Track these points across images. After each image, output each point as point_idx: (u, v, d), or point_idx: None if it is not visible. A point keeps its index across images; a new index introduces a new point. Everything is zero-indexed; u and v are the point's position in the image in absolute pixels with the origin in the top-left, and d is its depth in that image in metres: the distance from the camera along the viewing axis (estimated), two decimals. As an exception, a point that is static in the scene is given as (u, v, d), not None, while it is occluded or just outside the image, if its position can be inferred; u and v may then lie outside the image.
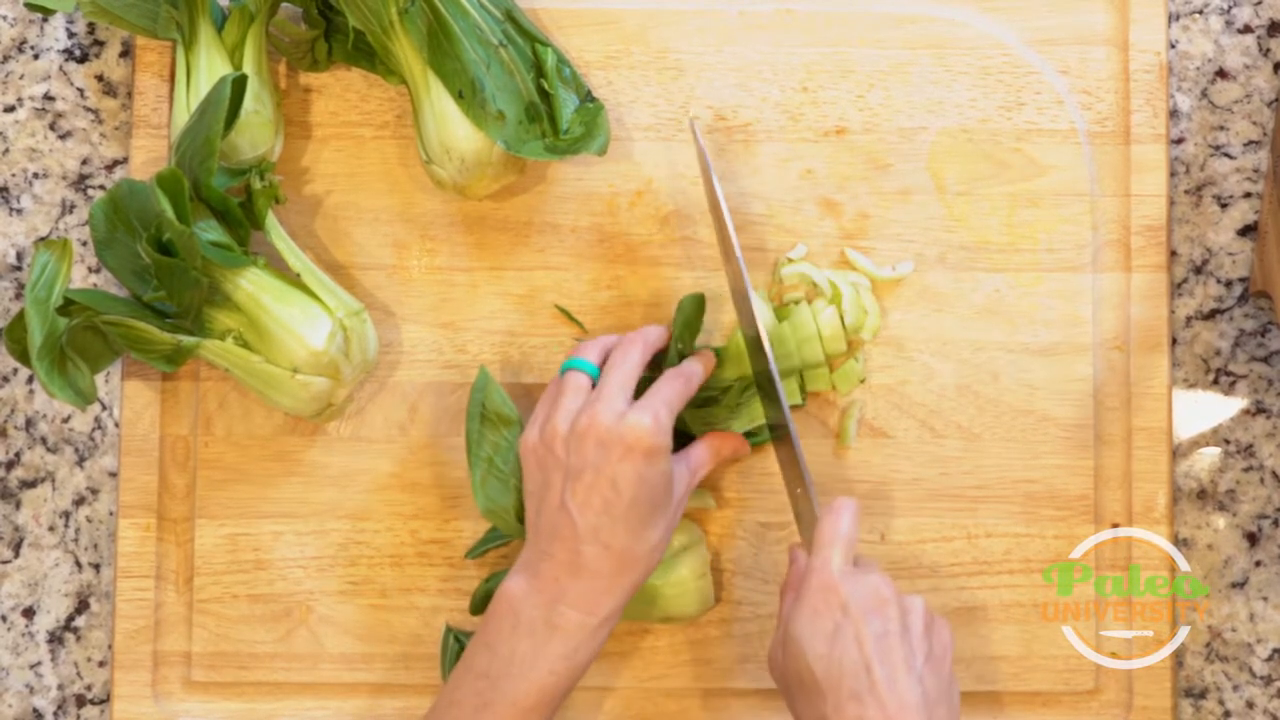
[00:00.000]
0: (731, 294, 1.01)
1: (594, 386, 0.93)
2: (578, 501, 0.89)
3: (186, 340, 0.95)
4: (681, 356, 0.98)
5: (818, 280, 1.01)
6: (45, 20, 1.07)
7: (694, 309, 0.99)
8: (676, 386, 0.93)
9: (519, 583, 0.90)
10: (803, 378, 1.01)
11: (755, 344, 0.96)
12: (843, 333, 1.00)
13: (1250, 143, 1.05)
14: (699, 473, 0.96)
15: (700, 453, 0.96)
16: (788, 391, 1.00)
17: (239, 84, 0.95)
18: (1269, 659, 1.02)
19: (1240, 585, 1.03)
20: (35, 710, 1.03)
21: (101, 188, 1.06)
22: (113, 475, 1.04)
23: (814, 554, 0.89)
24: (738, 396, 0.99)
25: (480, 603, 0.99)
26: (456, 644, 0.98)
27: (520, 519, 0.95)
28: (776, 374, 0.94)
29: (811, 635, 0.86)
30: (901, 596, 0.87)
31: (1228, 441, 1.04)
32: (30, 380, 1.05)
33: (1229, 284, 1.04)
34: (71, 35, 1.07)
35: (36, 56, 1.06)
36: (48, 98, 1.06)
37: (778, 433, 0.97)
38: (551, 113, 0.99)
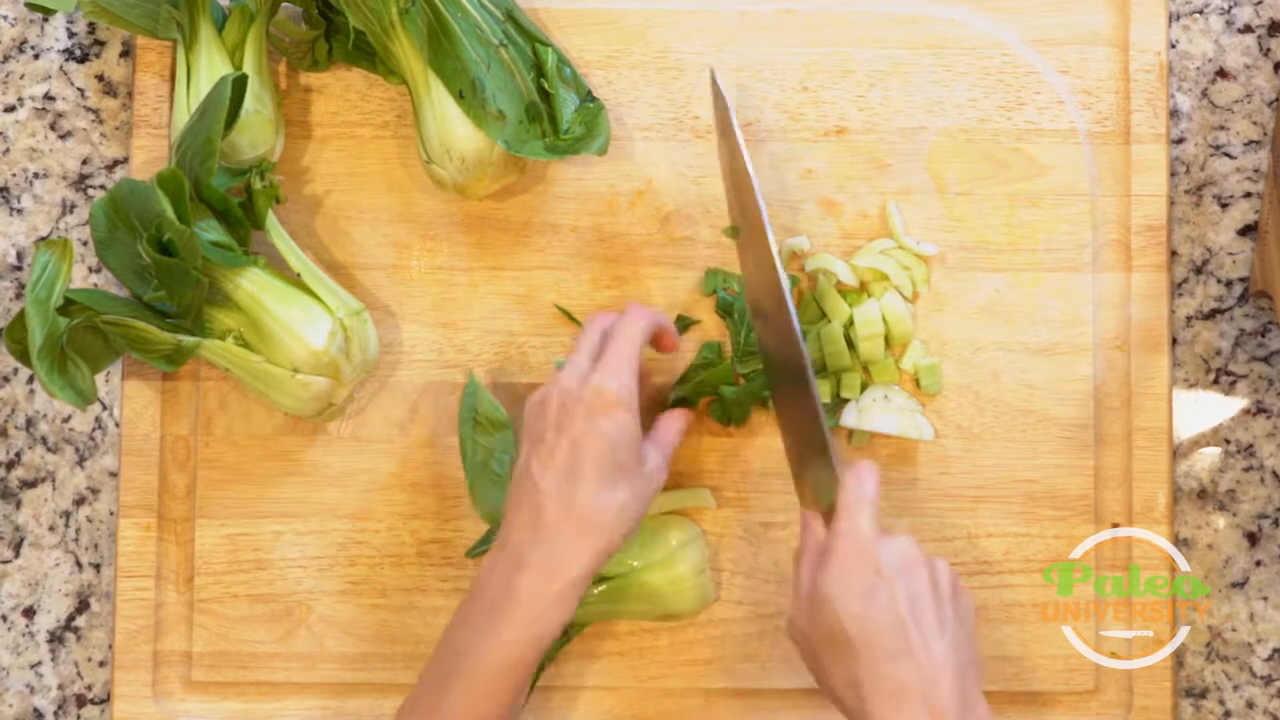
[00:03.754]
0: (747, 265, 0.98)
1: None
2: (540, 463, 0.89)
3: (187, 340, 0.95)
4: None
5: (840, 273, 1.01)
6: (45, 20, 1.07)
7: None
8: (627, 332, 0.92)
9: (490, 558, 0.90)
10: (869, 372, 1.02)
11: (778, 316, 0.93)
12: (906, 315, 1.00)
13: (1250, 143, 1.05)
14: (668, 450, 0.95)
15: (665, 431, 0.96)
16: (846, 387, 1.01)
17: (239, 84, 0.95)
18: (1269, 659, 1.02)
19: (1240, 585, 1.03)
20: (35, 710, 1.03)
21: (102, 188, 1.06)
22: (113, 475, 1.04)
23: (841, 517, 0.88)
24: (698, 374, 1.01)
25: None
26: None
27: None
28: (800, 334, 0.92)
29: (845, 595, 0.85)
30: (930, 559, 0.88)
31: (1228, 441, 1.03)
32: (30, 380, 1.05)
33: (1229, 284, 1.04)
34: (72, 35, 1.07)
35: (37, 56, 1.06)
36: (48, 98, 1.06)
37: (785, 400, 0.96)
38: (552, 113, 0.99)
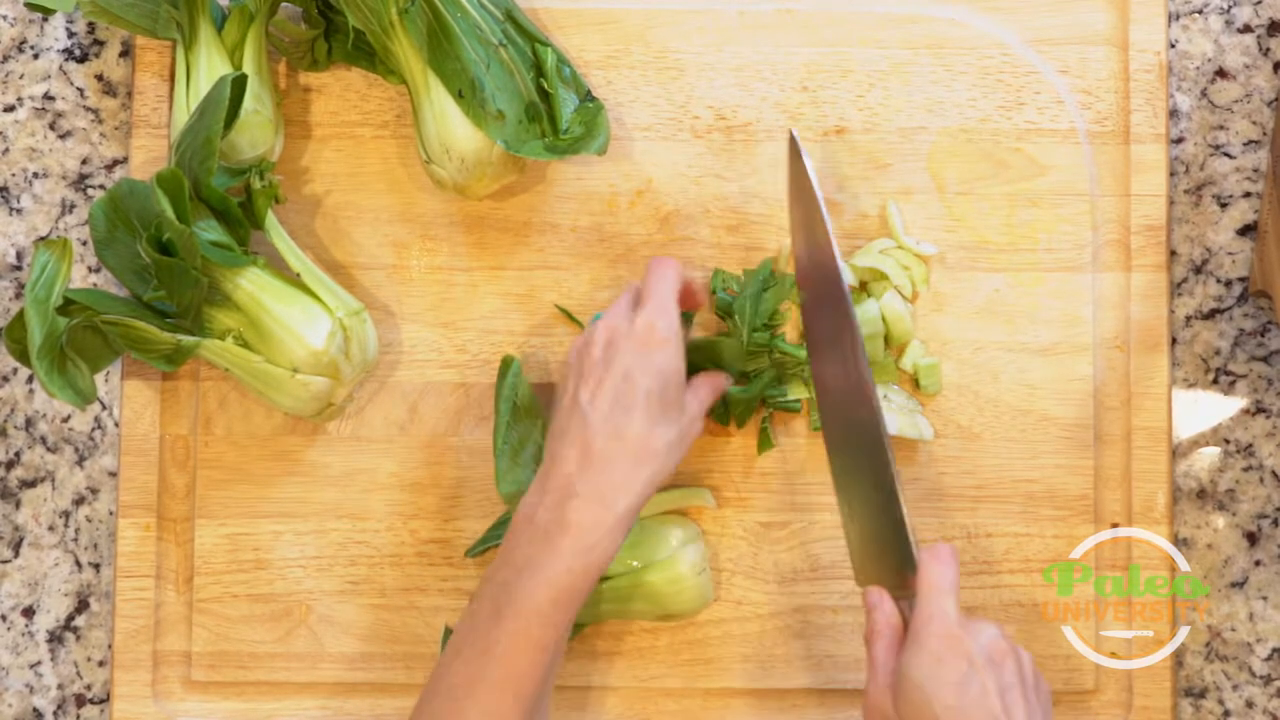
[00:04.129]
0: (819, 345, 0.96)
1: None
2: (588, 395, 0.89)
3: (186, 340, 0.95)
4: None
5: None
6: (45, 20, 1.07)
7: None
8: (666, 286, 0.93)
9: (531, 496, 0.89)
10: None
11: (853, 386, 0.92)
12: (905, 315, 1.00)
13: (1250, 142, 1.05)
14: (706, 403, 0.95)
15: (702, 387, 0.95)
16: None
17: (239, 84, 0.95)
18: (1269, 658, 1.02)
19: (1240, 585, 1.03)
20: (35, 710, 1.03)
21: (101, 187, 1.06)
22: (113, 475, 1.04)
23: (927, 600, 0.86)
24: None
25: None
26: None
27: None
28: (882, 411, 0.91)
29: (938, 684, 0.83)
30: (1015, 647, 0.86)
31: (1227, 441, 1.04)
32: (30, 380, 1.05)
33: (1229, 284, 1.04)
34: (71, 35, 1.07)
35: (36, 56, 1.06)
36: (48, 97, 1.06)
37: (851, 477, 0.92)
38: (551, 112, 0.99)
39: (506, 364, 0.99)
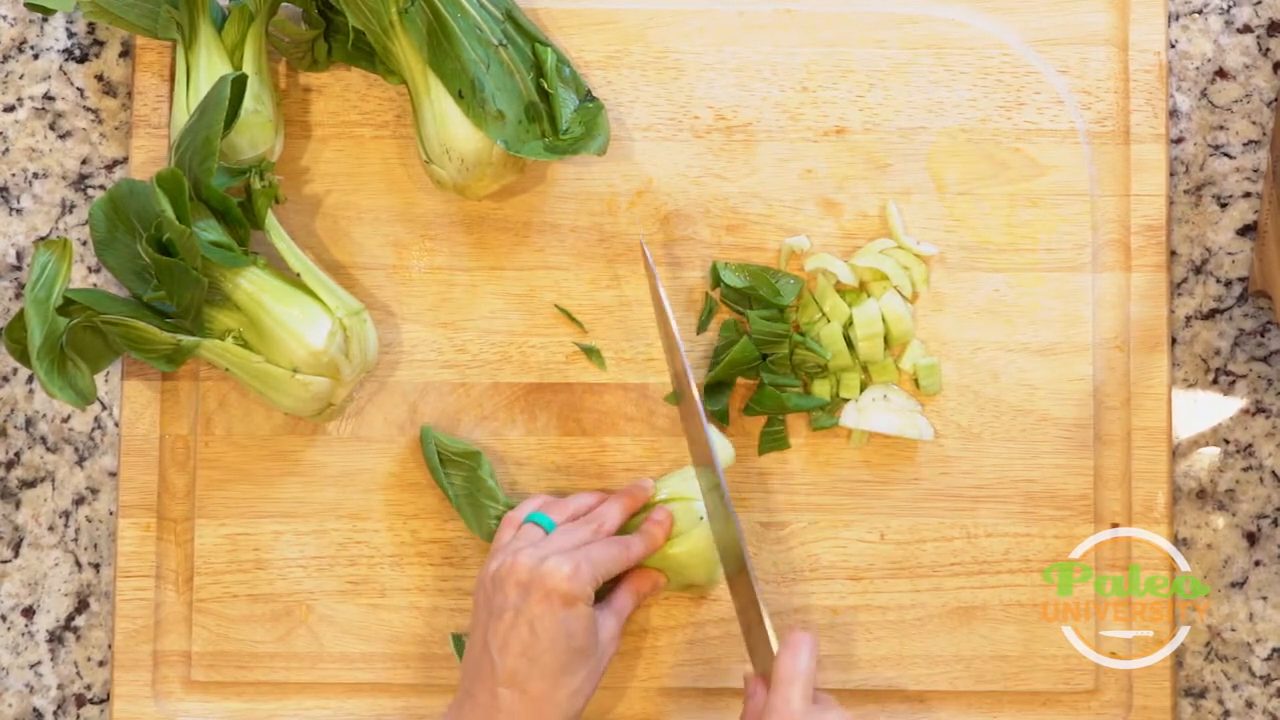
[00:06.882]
0: (689, 439, 1.00)
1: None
2: (497, 643, 0.90)
3: (186, 340, 0.95)
4: None
5: (840, 273, 1.01)
6: (45, 20, 1.07)
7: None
8: (611, 552, 0.93)
9: None
10: (868, 372, 1.02)
11: (709, 475, 0.96)
12: (905, 315, 1.00)
13: (1250, 142, 1.05)
14: (624, 614, 0.96)
15: (623, 598, 0.96)
16: (846, 386, 1.01)
17: (239, 83, 0.95)
18: (1268, 658, 1.02)
19: (1240, 585, 1.03)
20: (35, 710, 1.03)
21: (101, 187, 1.06)
22: (113, 475, 1.04)
23: (773, 691, 0.88)
24: (725, 354, 1.01)
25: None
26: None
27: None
28: (731, 506, 0.94)
29: None
30: None
31: (1227, 441, 1.04)
32: (30, 380, 1.05)
33: (1228, 284, 1.04)
34: (71, 35, 1.07)
35: (36, 56, 1.06)
36: (48, 98, 1.06)
37: (730, 571, 0.96)
38: (551, 112, 0.99)
39: (423, 437, 1.01)
